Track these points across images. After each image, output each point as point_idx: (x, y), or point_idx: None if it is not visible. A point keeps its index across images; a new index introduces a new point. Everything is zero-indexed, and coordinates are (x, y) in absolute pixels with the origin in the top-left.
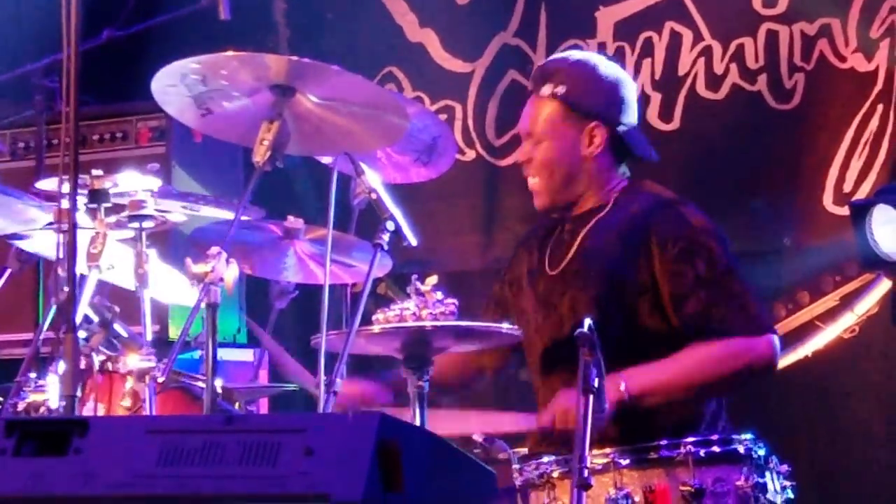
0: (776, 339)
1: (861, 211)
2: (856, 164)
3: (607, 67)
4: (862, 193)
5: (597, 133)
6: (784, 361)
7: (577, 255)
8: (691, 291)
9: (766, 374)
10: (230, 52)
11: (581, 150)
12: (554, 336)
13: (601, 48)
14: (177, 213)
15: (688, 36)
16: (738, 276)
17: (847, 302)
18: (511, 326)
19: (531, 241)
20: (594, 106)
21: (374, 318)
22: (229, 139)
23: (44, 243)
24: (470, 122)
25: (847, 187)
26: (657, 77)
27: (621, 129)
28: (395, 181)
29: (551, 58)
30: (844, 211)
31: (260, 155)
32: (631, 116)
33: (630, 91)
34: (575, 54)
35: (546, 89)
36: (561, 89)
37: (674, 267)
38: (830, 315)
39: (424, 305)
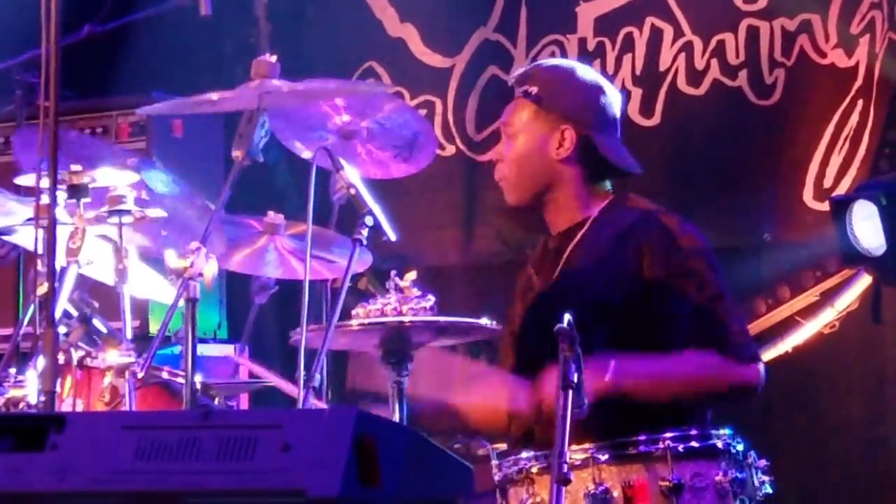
0: (762, 369)
1: (841, 206)
2: (836, 160)
3: (586, 73)
4: (842, 189)
5: (566, 136)
6: (764, 357)
7: (560, 275)
8: (680, 311)
9: (746, 401)
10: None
11: (550, 151)
12: (542, 351)
13: (581, 43)
14: (156, 208)
15: (668, 31)
16: (727, 299)
17: (827, 297)
18: (489, 321)
19: (529, 255)
20: (565, 108)
21: (353, 312)
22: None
23: (24, 238)
24: (450, 117)
25: (827, 183)
26: (638, 72)
27: (594, 135)
28: (375, 176)
29: (534, 63)
30: (825, 206)
31: (238, 149)
32: (607, 125)
33: (609, 99)
34: (556, 60)
35: (521, 91)
36: (534, 89)
37: (663, 290)
38: (811, 310)
39: (404, 301)
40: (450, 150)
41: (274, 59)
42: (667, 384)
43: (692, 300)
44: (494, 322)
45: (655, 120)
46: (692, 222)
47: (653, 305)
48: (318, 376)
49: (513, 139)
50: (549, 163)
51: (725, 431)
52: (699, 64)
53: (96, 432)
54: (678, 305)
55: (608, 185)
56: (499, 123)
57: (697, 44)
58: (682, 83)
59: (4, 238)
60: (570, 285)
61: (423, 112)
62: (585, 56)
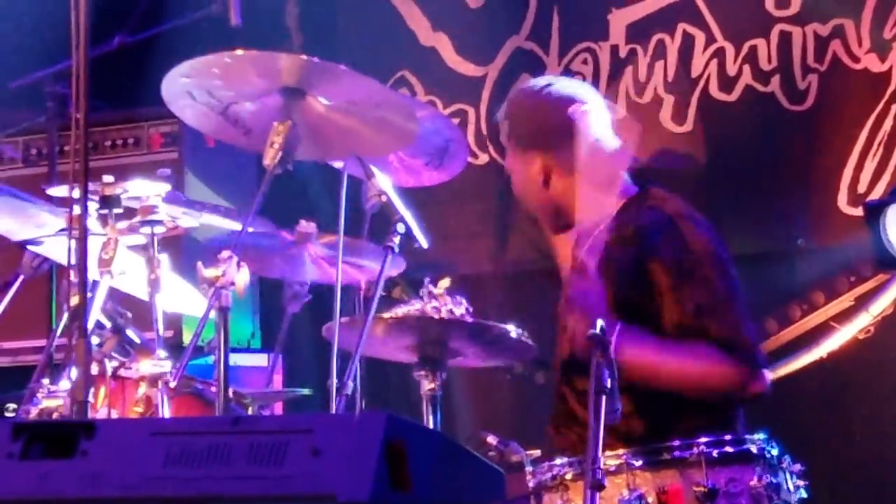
0: (768, 376)
1: (875, 211)
2: (870, 165)
3: (530, 97)
4: (876, 194)
5: (537, 165)
6: (799, 362)
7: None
8: (691, 320)
9: (750, 404)
10: (239, 52)
11: (534, 182)
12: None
13: (614, 50)
14: (188, 218)
15: (700, 38)
16: (737, 304)
17: (862, 302)
18: (521, 332)
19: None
20: (524, 141)
21: (386, 315)
22: (238, 143)
23: (57, 249)
24: (483, 126)
25: (861, 188)
26: (670, 79)
27: (558, 154)
28: (407, 184)
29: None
30: (859, 211)
31: (270, 158)
32: (570, 135)
33: (562, 118)
34: (515, 90)
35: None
36: (504, 128)
37: (674, 295)
38: (845, 316)
39: (437, 308)
40: (483, 158)
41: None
42: (676, 370)
43: (703, 304)
44: (523, 330)
45: (688, 127)
46: (723, 227)
47: (666, 311)
48: (350, 384)
49: (511, 177)
50: (539, 190)
51: (760, 436)
52: (731, 70)
53: (126, 439)
54: (689, 312)
55: (618, 182)
56: None
57: (730, 50)
58: (714, 89)
59: (32, 250)
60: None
61: (456, 121)
62: (618, 63)
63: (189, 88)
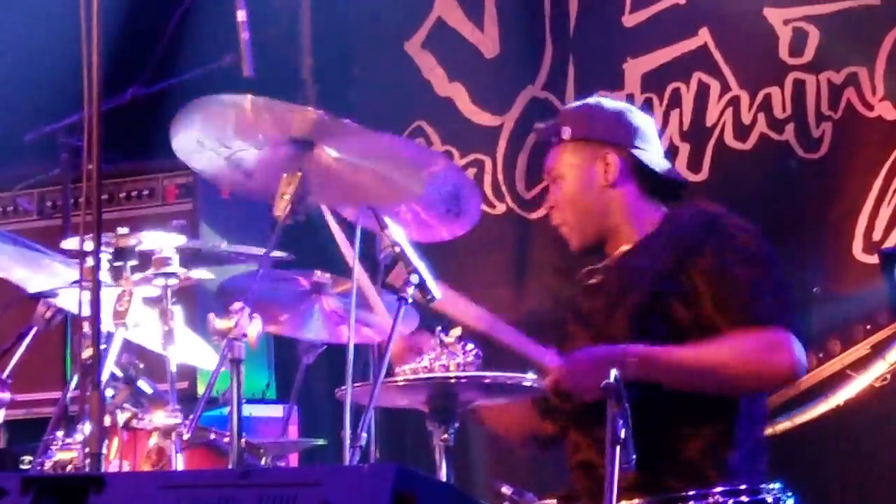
0: (799, 350)
1: (891, 259)
2: (885, 212)
3: (610, 102)
4: (891, 241)
5: (610, 159)
6: (815, 411)
7: (614, 287)
8: (736, 298)
9: (791, 379)
10: (248, 97)
11: (598, 179)
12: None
13: (629, 100)
14: (202, 270)
15: (715, 86)
16: (780, 284)
17: (878, 350)
18: (535, 378)
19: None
20: (600, 133)
21: (398, 369)
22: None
23: (71, 300)
24: (500, 176)
25: (876, 235)
26: (685, 128)
27: (637, 151)
28: (424, 239)
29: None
30: (874, 259)
31: (280, 209)
32: (646, 141)
33: (639, 118)
34: (577, 102)
35: (555, 139)
36: (567, 131)
37: (717, 274)
38: (862, 364)
39: (449, 357)
40: (500, 208)
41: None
42: (706, 356)
43: (746, 285)
44: (538, 379)
45: (703, 175)
46: None
47: (708, 296)
48: (364, 435)
49: (560, 181)
50: (600, 190)
51: (775, 486)
52: (746, 118)
53: (136, 492)
54: (731, 292)
55: (662, 206)
56: (545, 178)
57: (744, 98)
58: (729, 138)
59: (46, 301)
60: (625, 292)
61: (472, 171)
62: None
63: (197, 132)
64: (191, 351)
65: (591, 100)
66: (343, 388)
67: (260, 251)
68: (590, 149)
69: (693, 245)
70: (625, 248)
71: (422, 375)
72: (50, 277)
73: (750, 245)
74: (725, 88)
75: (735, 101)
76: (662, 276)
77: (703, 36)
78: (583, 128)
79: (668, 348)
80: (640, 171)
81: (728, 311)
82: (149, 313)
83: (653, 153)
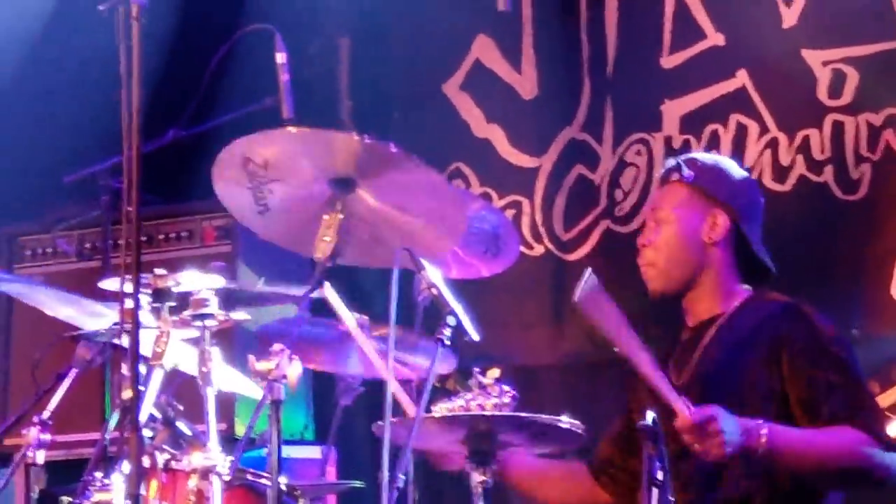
0: None
1: None
2: None
3: (740, 171)
4: None
5: (720, 220)
6: None
7: (699, 365)
8: (825, 398)
9: (882, 487)
10: (293, 129)
11: (702, 234)
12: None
13: (667, 141)
14: (240, 311)
15: (754, 128)
16: (866, 388)
17: None
18: (572, 421)
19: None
20: (721, 193)
21: (434, 408)
22: (279, 240)
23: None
24: (538, 217)
25: None
26: None
27: (744, 224)
28: (461, 276)
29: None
30: None
31: (321, 251)
32: (754, 219)
33: (759, 197)
34: (712, 154)
35: (675, 175)
36: (690, 175)
37: (806, 373)
38: None
39: (485, 397)
40: (538, 249)
41: None
42: (817, 452)
43: (835, 382)
44: (578, 423)
45: None
46: None
47: (795, 393)
48: (402, 477)
49: (663, 224)
50: (700, 246)
51: None
52: (784, 160)
53: None
54: (822, 389)
55: (747, 285)
56: (644, 214)
57: (783, 140)
58: (767, 179)
59: (86, 343)
60: (711, 376)
61: (511, 212)
62: (672, 154)
63: (237, 172)
64: (231, 381)
65: (725, 158)
66: (381, 422)
67: (298, 291)
68: (704, 202)
69: (781, 341)
70: (705, 317)
71: (458, 413)
72: (93, 318)
73: (844, 357)
74: (764, 130)
75: (773, 143)
76: (747, 373)
77: (742, 78)
78: (708, 179)
79: (799, 429)
80: (740, 245)
81: (817, 410)
82: (188, 353)
83: (755, 232)
